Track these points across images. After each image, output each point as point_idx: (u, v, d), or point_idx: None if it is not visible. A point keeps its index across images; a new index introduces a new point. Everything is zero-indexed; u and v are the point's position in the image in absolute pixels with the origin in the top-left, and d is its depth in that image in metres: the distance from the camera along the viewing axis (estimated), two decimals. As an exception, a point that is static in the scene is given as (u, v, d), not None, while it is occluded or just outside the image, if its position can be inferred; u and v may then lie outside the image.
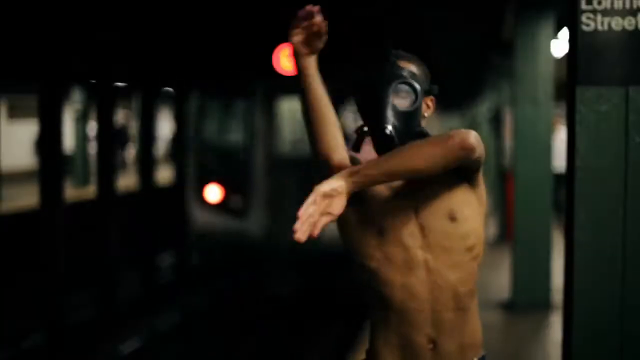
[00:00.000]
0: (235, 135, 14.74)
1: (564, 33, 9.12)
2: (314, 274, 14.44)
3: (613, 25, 4.07)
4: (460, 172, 2.65)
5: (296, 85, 2.64)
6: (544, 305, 8.45)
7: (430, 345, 2.67)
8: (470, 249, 2.69)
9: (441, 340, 2.67)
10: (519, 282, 8.45)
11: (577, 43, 4.10)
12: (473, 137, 2.55)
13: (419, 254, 2.66)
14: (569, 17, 4.21)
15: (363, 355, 2.81)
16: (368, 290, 2.72)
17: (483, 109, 24.37)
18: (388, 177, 2.54)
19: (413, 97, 2.69)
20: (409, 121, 2.68)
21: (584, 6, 4.07)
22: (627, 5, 4.05)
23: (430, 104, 2.76)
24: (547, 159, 8.35)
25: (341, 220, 2.67)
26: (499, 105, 15.10)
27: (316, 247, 12.77)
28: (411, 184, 2.68)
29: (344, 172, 2.52)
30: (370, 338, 2.75)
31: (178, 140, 18.75)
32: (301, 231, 2.40)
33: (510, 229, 9.74)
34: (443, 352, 2.67)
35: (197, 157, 14.70)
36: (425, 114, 2.74)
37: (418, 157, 2.53)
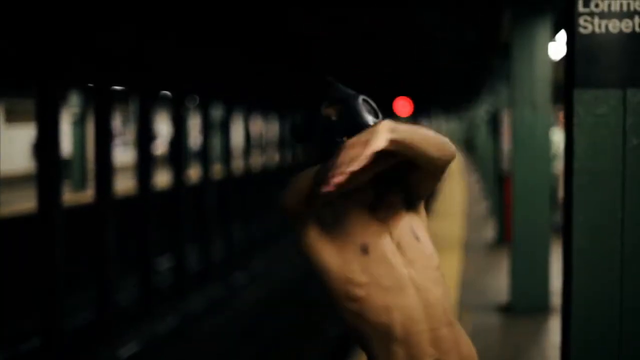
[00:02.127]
0: None
1: (562, 36, 9.13)
2: None
3: (610, 27, 4.07)
4: (409, 195, 2.70)
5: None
6: (543, 309, 8.45)
7: None
8: (437, 267, 2.68)
9: (444, 358, 2.60)
10: (517, 286, 8.45)
11: (575, 46, 4.09)
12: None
13: (404, 272, 2.60)
14: (566, 20, 4.21)
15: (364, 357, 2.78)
16: (363, 323, 2.61)
17: (481, 111, 24.40)
18: (409, 149, 2.52)
19: (373, 111, 2.83)
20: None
21: (581, 9, 4.06)
22: (624, 8, 4.04)
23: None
24: (545, 162, 8.35)
25: (316, 243, 2.63)
26: (496, 107, 15.10)
27: None
28: (379, 201, 2.68)
29: (385, 127, 2.51)
30: None
31: (176, 144, 18.74)
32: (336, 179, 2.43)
33: (509, 232, 9.74)
34: None
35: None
36: None
37: (436, 143, 2.56)
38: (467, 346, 2.66)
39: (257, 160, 27.74)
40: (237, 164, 25.50)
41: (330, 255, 2.63)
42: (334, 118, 2.74)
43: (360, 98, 2.79)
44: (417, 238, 2.66)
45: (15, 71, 13.50)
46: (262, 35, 16.07)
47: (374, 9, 13.30)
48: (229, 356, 14.13)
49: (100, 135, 14.45)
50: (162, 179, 20.30)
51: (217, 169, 23.15)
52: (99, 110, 14.54)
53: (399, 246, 2.63)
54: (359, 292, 2.59)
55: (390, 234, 2.64)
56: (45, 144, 12.44)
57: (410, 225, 2.67)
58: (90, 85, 15.24)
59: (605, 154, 4.10)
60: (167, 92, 19.09)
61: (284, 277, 20.30)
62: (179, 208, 18.17)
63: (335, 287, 2.62)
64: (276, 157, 31.08)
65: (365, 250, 2.61)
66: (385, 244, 2.62)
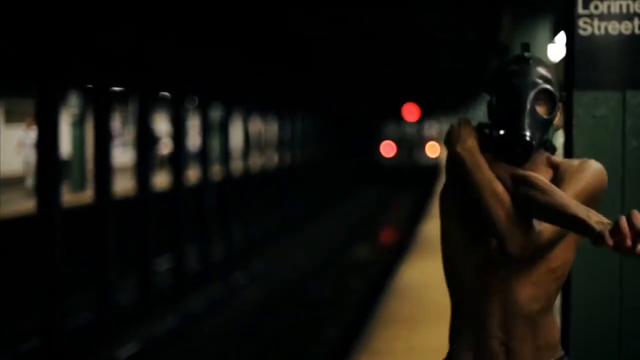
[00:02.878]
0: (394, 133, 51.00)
1: (561, 37, 9.14)
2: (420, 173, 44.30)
3: (610, 29, 4.08)
4: None
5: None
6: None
7: (503, 348, 2.66)
8: (553, 270, 2.67)
9: (513, 344, 2.66)
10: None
11: (574, 47, 4.11)
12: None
13: (497, 264, 2.64)
14: (566, 22, 4.23)
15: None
16: (448, 287, 2.75)
17: (481, 112, 24.39)
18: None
19: (552, 104, 2.65)
20: (545, 129, 2.65)
21: (580, 11, 4.08)
22: (624, 10, 4.06)
23: (559, 112, 2.71)
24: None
25: (450, 201, 2.70)
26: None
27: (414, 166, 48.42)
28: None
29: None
30: (449, 340, 2.77)
31: (177, 146, 18.74)
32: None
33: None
34: (516, 354, 2.66)
35: (386, 136, 50.13)
36: (556, 122, 2.70)
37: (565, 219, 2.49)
38: (546, 336, 2.69)
39: (257, 161, 27.82)
40: (236, 164, 25.50)
41: (447, 216, 2.71)
42: (492, 100, 2.67)
43: (534, 92, 2.61)
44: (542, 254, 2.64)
45: (14, 72, 13.51)
46: (262, 35, 16.06)
47: (374, 9, 13.32)
48: (229, 356, 14.13)
49: (99, 136, 14.46)
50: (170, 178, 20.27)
51: (216, 170, 23.14)
52: (99, 111, 14.56)
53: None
54: (450, 255, 2.71)
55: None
56: (45, 145, 12.46)
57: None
58: (90, 86, 15.26)
59: (604, 155, 4.11)
60: (166, 93, 19.10)
61: (283, 277, 20.30)
62: (179, 209, 18.17)
63: (441, 241, 2.75)
64: (275, 158, 31.31)
65: (468, 237, 2.67)
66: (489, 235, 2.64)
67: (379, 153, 49.30)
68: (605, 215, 4.09)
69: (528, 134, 2.58)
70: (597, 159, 4.05)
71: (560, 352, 2.75)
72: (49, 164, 12.43)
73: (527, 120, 2.59)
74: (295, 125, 33.63)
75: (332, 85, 28.40)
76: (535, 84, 2.63)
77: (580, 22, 4.09)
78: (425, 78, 26.39)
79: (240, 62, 20.54)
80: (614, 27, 4.08)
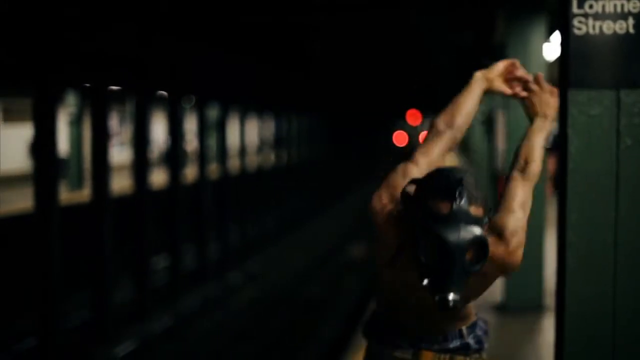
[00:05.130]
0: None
1: (556, 37, 9.17)
2: None
3: (604, 28, 4.10)
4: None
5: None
6: (536, 307, 8.48)
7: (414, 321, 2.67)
8: (483, 275, 2.58)
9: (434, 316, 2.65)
10: (511, 285, 8.48)
11: (569, 46, 4.13)
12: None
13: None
14: (561, 21, 4.24)
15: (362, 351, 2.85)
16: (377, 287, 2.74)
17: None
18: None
19: (482, 252, 2.38)
20: (470, 275, 2.40)
21: (575, 10, 4.10)
22: (618, 9, 4.08)
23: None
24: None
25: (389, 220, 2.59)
26: (491, 108, 15.15)
27: None
28: None
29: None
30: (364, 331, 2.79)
31: (173, 144, 18.75)
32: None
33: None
34: (432, 320, 2.66)
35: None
36: None
37: None
38: (463, 314, 2.72)
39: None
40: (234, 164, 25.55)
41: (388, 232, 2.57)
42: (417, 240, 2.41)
43: (465, 245, 2.34)
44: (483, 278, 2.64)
45: (12, 71, 13.51)
46: (259, 36, 16.07)
47: (370, 11, 13.34)
48: (224, 356, 14.15)
49: (97, 134, 14.46)
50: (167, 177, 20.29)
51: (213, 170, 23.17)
52: (96, 110, 14.56)
53: None
54: (385, 285, 2.68)
55: None
56: (42, 144, 12.47)
57: (482, 287, 2.65)
58: (87, 85, 15.26)
59: (599, 154, 4.13)
60: (164, 92, 19.09)
61: (280, 277, 20.32)
62: (175, 208, 18.17)
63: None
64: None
65: (404, 285, 2.62)
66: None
67: (394, 143, 59.26)
68: (599, 215, 4.12)
69: (451, 298, 2.34)
70: (591, 158, 4.10)
71: (474, 318, 2.73)
72: (46, 163, 12.44)
73: (455, 279, 2.33)
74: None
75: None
76: (467, 239, 2.36)
77: (575, 22, 4.11)
78: (424, 84, 26.85)
79: (238, 62, 20.56)
80: (609, 27, 4.09)
